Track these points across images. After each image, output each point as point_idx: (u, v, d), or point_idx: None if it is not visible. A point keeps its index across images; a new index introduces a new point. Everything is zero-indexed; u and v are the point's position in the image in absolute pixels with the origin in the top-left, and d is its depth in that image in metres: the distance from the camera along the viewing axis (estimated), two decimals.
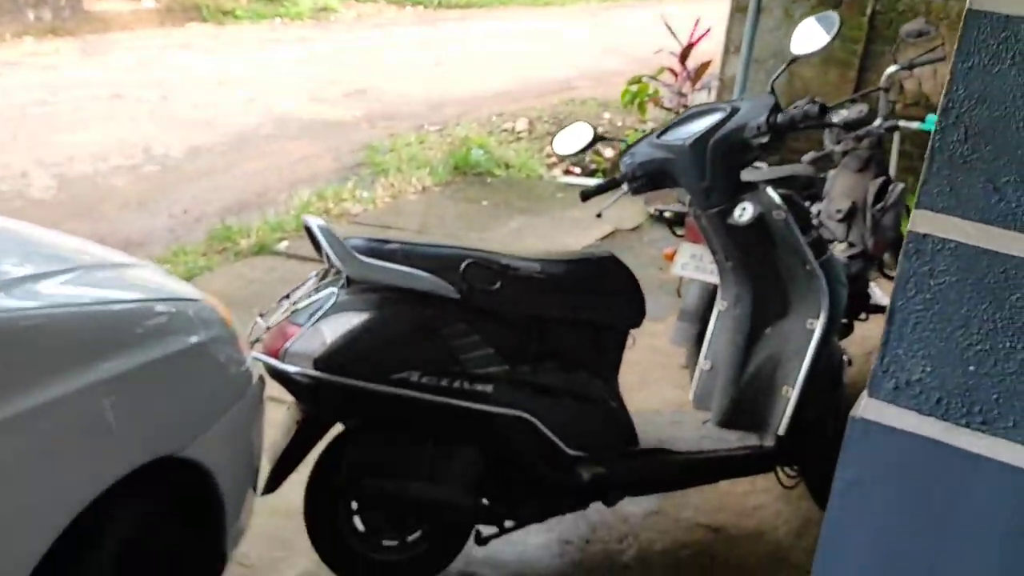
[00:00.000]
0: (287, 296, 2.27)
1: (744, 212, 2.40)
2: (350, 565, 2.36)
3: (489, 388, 2.15)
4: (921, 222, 1.26)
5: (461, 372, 2.13)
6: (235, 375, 1.98)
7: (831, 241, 3.24)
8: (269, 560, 2.47)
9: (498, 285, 2.18)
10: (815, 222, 2.57)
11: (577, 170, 6.73)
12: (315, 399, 2.16)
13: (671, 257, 3.37)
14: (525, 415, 2.19)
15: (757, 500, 2.89)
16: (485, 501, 2.32)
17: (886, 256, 3.76)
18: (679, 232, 3.37)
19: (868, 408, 1.33)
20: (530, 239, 5.23)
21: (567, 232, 5.32)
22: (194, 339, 1.82)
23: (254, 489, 2.14)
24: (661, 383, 3.57)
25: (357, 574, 2.38)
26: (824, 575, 1.43)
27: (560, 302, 2.29)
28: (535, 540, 2.62)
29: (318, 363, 2.06)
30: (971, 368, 1.26)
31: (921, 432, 1.29)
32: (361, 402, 2.12)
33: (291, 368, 2.09)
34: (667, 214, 3.44)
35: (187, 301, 1.89)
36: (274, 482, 2.23)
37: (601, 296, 2.37)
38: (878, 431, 1.32)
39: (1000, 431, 1.25)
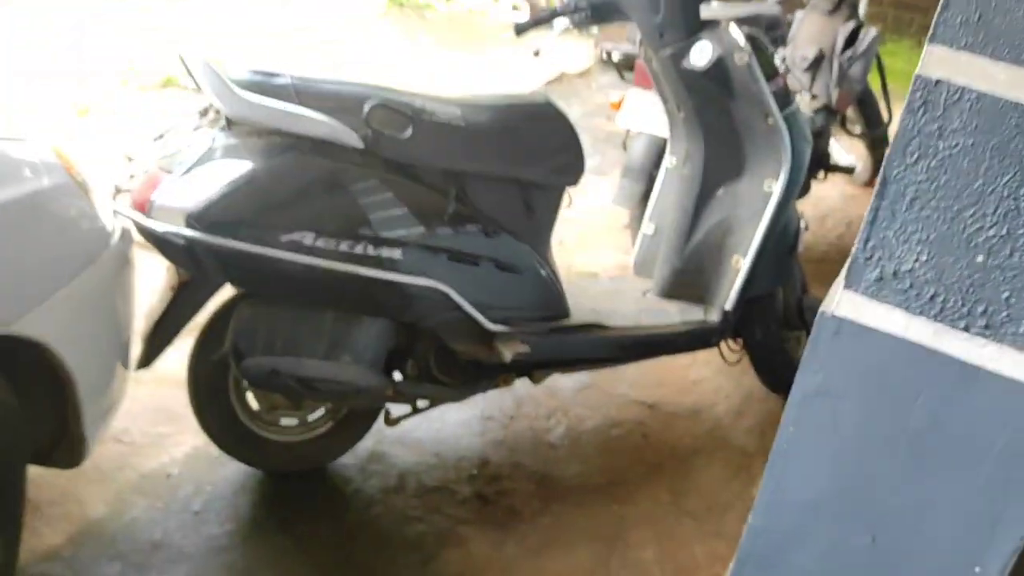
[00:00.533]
0: (161, 136, 1.91)
1: (702, 54, 2.08)
2: (243, 446, 2.10)
3: (397, 254, 1.84)
4: (935, 63, 0.95)
5: (368, 236, 1.82)
6: (85, 233, 1.64)
7: (796, 92, 2.93)
8: (153, 436, 2.20)
9: (410, 132, 1.84)
10: (780, 69, 2.24)
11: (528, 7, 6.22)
12: (189, 263, 1.82)
13: (619, 107, 3.04)
14: (439, 285, 1.89)
15: (697, 374, 2.68)
16: (398, 376, 2.06)
17: (849, 111, 3.47)
18: (628, 77, 3.02)
19: (843, 303, 1.06)
20: (468, 82, 4.82)
21: (509, 75, 4.90)
22: (20, 190, 1.47)
23: (124, 364, 1.85)
24: (603, 245, 3.30)
25: (252, 456, 2.12)
26: (775, 493, 1.20)
27: (484, 155, 1.96)
28: (454, 416, 2.39)
29: (190, 220, 1.73)
30: (979, 258, 0.99)
31: (907, 335, 1.03)
32: (243, 268, 1.79)
33: (158, 225, 1.75)
34: (615, 56, 3.08)
35: (10, 141, 1.52)
36: (149, 355, 1.93)
37: (533, 149, 2.04)
38: (853, 331, 1.06)
39: (1007, 337, 0.99)
